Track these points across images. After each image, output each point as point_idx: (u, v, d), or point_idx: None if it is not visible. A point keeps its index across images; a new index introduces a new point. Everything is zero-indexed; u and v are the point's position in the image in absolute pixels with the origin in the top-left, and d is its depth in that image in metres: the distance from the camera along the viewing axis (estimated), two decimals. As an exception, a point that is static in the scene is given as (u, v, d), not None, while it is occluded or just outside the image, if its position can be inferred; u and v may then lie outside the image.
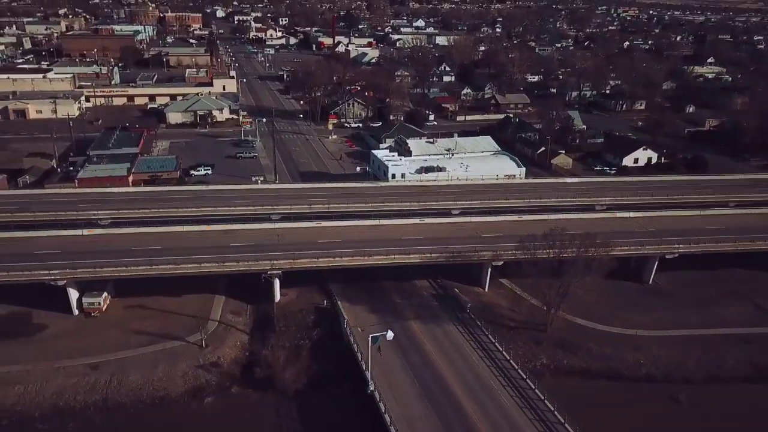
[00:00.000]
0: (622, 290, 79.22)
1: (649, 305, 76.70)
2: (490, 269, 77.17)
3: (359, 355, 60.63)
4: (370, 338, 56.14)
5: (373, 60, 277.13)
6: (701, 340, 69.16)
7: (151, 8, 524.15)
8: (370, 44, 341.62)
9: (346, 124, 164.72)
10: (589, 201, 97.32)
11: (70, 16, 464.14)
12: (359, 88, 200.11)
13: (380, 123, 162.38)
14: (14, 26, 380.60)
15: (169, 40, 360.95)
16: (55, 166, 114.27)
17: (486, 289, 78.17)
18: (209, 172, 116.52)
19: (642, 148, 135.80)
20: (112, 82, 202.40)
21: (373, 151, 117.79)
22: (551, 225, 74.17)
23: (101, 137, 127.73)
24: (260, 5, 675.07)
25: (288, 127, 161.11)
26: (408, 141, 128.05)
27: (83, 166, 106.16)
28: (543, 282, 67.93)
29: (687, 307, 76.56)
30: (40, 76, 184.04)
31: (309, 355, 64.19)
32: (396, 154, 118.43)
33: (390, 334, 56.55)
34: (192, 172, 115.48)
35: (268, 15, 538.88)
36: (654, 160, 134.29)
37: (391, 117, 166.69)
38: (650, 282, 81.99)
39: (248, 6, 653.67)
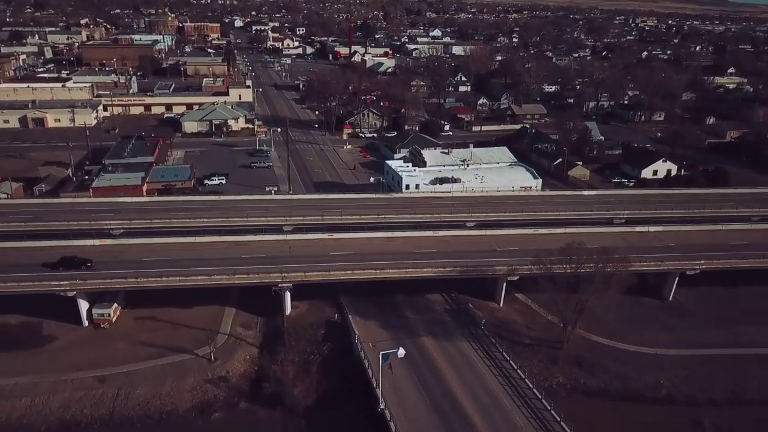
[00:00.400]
0: (641, 307, 77.02)
1: (669, 323, 74.49)
2: (505, 284, 75.51)
3: (370, 372, 59.30)
4: (380, 356, 54.80)
5: (389, 70, 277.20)
6: (725, 360, 66.85)
7: (170, 18, 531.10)
8: (386, 54, 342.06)
9: (360, 134, 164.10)
10: (607, 214, 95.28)
11: (92, 26, 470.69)
12: (374, 98, 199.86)
13: (395, 133, 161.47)
14: (37, 36, 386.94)
15: (188, 49, 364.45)
16: (70, 174, 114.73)
17: (501, 305, 76.49)
18: (223, 181, 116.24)
19: (661, 160, 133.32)
20: (130, 91, 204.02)
21: (387, 162, 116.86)
22: (568, 239, 72.37)
23: (117, 146, 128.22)
24: (278, 15, 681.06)
25: (303, 137, 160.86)
26: (422, 151, 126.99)
27: (98, 175, 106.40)
28: (559, 298, 66.15)
29: (709, 325, 74.22)
30: (59, 85, 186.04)
31: (319, 371, 62.99)
32: (410, 164, 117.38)
33: (401, 352, 55.14)
34: (206, 181, 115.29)
35: (286, 25, 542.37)
36: (674, 173, 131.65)
37: (406, 127, 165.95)
38: (670, 298, 79.75)
39: (266, 16, 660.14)
